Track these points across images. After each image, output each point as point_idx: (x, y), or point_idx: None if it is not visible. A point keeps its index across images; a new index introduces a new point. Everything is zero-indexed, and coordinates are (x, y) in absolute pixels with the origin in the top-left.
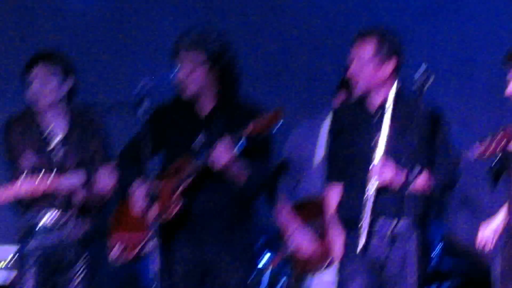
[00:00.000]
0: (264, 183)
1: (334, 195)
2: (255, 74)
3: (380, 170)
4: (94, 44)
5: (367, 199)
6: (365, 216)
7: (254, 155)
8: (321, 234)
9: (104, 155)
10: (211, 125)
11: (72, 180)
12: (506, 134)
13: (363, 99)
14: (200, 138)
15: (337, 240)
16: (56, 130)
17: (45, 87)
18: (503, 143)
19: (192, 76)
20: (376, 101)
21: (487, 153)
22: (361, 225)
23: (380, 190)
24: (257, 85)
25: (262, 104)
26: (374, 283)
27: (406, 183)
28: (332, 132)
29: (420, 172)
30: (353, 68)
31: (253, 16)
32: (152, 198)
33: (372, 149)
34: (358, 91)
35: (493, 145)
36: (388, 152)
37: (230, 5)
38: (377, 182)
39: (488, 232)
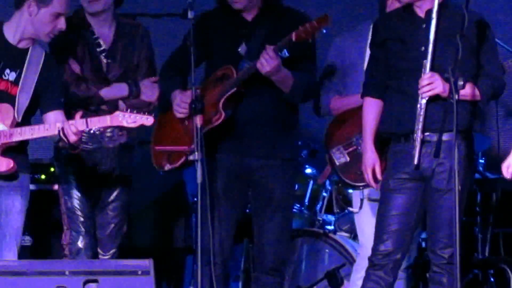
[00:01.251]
0: (310, 90)
1: (372, 110)
2: None
3: (430, 81)
4: None
5: (420, 111)
6: (418, 128)
7: (299, 61)
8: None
9: (148, 67)
10: (256, 31)
11: (115, 92)
12: None
13: (411, 5)
14: (244, 45)
15: (368, 162)
16: (102, 39)
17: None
18: None
19: None
20: (425, 5)
21: None
22: (415, 138)
23: (426, 103)
24: None
25: (306, 11)
26: (420, 195)
27: (450, 95)
28: (375, 44)
29: (464, 84)
30: None
31: None
32: (196, 107)
33: (422, 57)
34: None
35: None
36: (435, 61)
37: None
38: (428, 94)
39: None
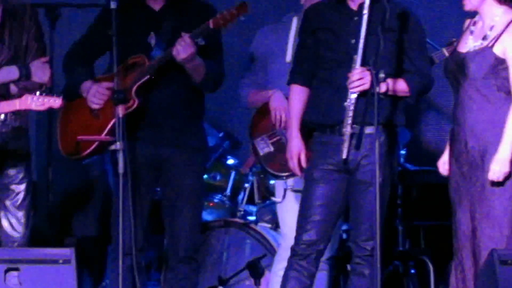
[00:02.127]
0: (219, 79)
1: (299, 98)
2: None
3: (360, 77)
4: None
5: (350, 106)
6: (348, 123)
7: (209, 50)
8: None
9: (37, 48)
10: (164, 21)
11: (5, 75)
12: None
13: None
14: (154, 35)
15: (293, 150)
16: None
17: None
18: None
19: None
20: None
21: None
22: (344, 131)
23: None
24: None
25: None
26: (344, 187)
27: (373, 88)
28: (305, 32)
29: (385, 77)
30: None
31: None
32: (118, 96)
33: (352, 50)
34: None
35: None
36: (366, 55)
37: None
38: (357, 89)
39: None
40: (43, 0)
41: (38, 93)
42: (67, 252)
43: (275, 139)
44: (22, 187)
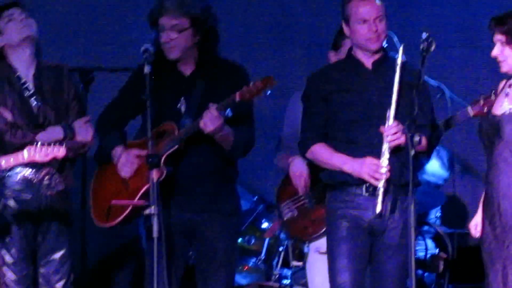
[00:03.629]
0: (249, 146)
1: (326, 147)
2: (254, 40)
3: (397, 130)
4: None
5: (384, 160)
6: (383, 181)
7: (239, 118)
8: (316, 202)
9: (79, 107)
10: (194, 87)
11: (51, 135)
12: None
13: (354, 57)
14: (184, 101)
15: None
16: (26, 76)
17: (25, 22)
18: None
19: (176, 41)
20: (373, 57)
21: (482, 112)
22: (378, 189)
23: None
24: (256, 52)
25: (251, 68)
26: (367, 248)
27: (408, 149)
28: (313, 98)
29: (420, 140)
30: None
31: None
32: (152, 161)
33: (372, 107)
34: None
35: (485, 106)
36: (382, 111)
37: None
38: (394, 143)
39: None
40: (77, 64)
41: (39, 143)
42: None
43: (299, 204)
44: (62, 252)
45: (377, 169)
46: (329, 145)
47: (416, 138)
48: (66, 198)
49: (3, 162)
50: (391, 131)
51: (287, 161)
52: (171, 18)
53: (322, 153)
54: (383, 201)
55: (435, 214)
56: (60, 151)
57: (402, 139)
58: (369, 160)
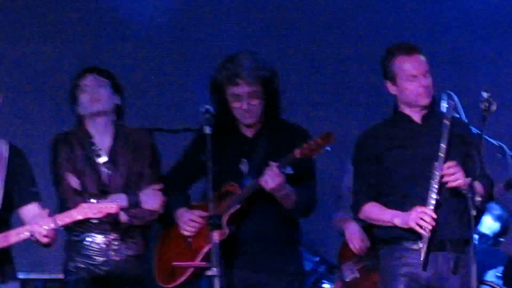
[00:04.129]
0: (311, 205)
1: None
2: (314, 100)
3: (455, 170)
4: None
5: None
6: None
7: (301, 177)
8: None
9: (152, 175)
10: (257, 148)
11: (118, 202)
12: None
13: (403, 113)
14: (246, 162)
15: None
16: (102, 145)
17: (96, 95)
18: None
19: (256, 107)
20: (422, 111)
21: None
22: (424, 238)
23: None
24: (316, 111)
25: (311, 128)
26: None
27: (467, 204)
28: (365, 160)
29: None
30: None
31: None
32: (214, 222)
33: (426, 161)
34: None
35: None
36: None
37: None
38: (453, 184)
39: None
40: (138, 125)
41: (93, 200)
42: None
43: (361, 265)
44: None
45: (423, 215)
46: (384, 202)
47: (478, 199)
48: (138, 263)
49: (58, 221)
50: (449, 171)
51: (344, 225)
52: (249, 86)
53: (373, 211)
54: (428, 252)
55: (494, 273)
56: (112, 207)
57: (460, 180)
58: (418, 208)
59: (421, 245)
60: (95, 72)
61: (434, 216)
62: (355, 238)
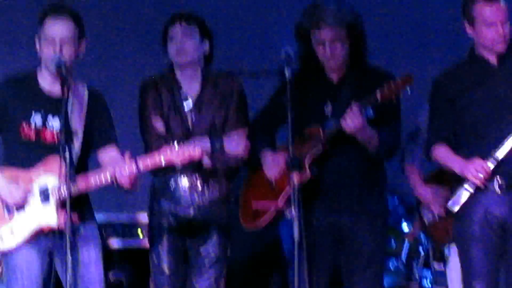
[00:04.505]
0: (395, 148)
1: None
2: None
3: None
4: (234, 11)
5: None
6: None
7: (385, 120)
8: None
9: (236, 120)
10: (342, 92)
11: (202, 147)
12: None
13: (478, 55)
14: (330, 105)
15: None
16: (190, 92)
17: (185, 44)
18: None
19: (340, 52)
20: (498, 55)
21: None
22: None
23: None
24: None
25: (394, 71)
26: (497, 245)
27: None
28: (441, 101)
29: None
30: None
31: None
32: (293, 164)
33: (506, 102)
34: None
35: None
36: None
37: None
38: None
39: None
40: (215, 67)
41: (177, 144)
42: None
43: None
44: (215, 268)
45: (481, 170)
46: (459, 142)
47: None
48: (223, 206)
49: (140, 164)
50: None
51: (415, 184)
52: (332, 31)
53: (441, 156)
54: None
55: None
56: (196, 152)
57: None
58: (477, 160)
59: (471, 190)
60: (183, 19)
61: (490, 172)
62: (433, 203)
